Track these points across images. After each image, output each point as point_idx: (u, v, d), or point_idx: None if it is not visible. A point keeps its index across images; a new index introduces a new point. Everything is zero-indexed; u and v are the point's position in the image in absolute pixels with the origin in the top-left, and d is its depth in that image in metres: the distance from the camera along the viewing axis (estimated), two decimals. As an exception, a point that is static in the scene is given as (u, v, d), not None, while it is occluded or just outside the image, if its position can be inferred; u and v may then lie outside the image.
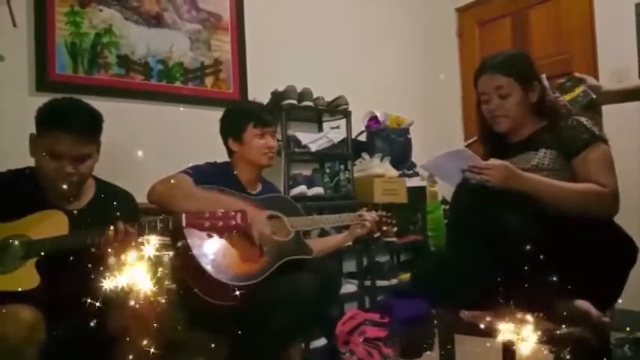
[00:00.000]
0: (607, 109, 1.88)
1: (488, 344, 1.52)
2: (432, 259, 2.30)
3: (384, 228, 2.24)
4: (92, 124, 1.58)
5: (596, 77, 2.53)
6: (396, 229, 2.37)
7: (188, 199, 1.71)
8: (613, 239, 1.41)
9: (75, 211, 1.58)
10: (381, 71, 3.50)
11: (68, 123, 1.51)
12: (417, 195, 3.10)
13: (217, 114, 2.07)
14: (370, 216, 2.14)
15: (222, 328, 1.71)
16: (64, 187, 1.55)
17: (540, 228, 1.35)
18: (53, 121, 1.51)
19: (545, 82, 1.68)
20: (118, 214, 1.52)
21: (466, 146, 1.64)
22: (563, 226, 1.36)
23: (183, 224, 1.57)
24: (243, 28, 2.88)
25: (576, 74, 1.65)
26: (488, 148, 1.71)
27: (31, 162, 1.58)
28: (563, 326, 1.29)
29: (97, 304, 1.42)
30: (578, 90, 1.60)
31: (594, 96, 1.59)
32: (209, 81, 2.77)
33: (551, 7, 3.36)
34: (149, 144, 2.45)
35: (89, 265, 1.44)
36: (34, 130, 1.56)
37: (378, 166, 2.96)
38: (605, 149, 1.48)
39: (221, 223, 1.58)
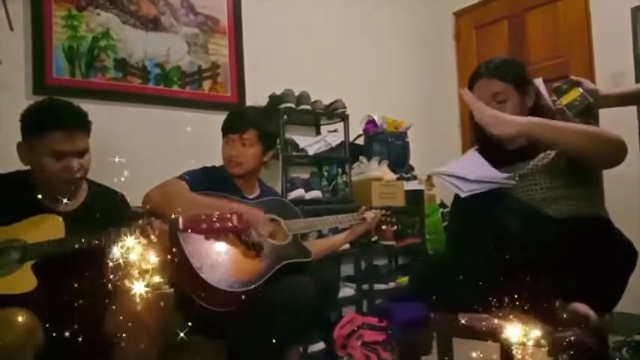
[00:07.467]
0: (604, 113, 1.88)
1: (486, 348, 1.52)
2: (430, 263, 2.29)
3: (384, 227, 2.22)
4: (83, 117, 1.60)
5: (593, 81, 2.54)
6: (396, 227, 2.34)
7: (183, 205, 1.66)
8: (613, 243, 1.41)
9: (69, 213, 1.58)
10: (379, 75, 3.51)
11: (64, 121, 1.53)
12: (415, 198, 3.10)
13: (215, 117, 2.07)
14: (372, 213, 2.13)
15: (220, 332, 1.71)
16: (71, 184, 1.57)
17: (541, 231, 1.35)
18: (50, 123, 1.51)
19: (542, 86, 1.67)
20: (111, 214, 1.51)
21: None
22: (563, 230, 1.36)
23: (180, 227, 1.55)
24: (240, 32, 2.88)
25: (573, 78, 1.65)
26: (485, 157, 1.69)
27: (21, 165, 1.59)
28: (562, 329, 1.29)
29: (95, 306, 1.42)
30: (575, 94, 1.58)
31: (591, 100, 1.58)
32: (206, 85, 2.76)
33: (547, 11, 3.37)
34: (146, 148, 2.44)
35: (86, 268, 1.44)
36: (30, 134, 1.55)
37: (375, 169, 2.97)
38: None
39: (217, 226, 1.56)
